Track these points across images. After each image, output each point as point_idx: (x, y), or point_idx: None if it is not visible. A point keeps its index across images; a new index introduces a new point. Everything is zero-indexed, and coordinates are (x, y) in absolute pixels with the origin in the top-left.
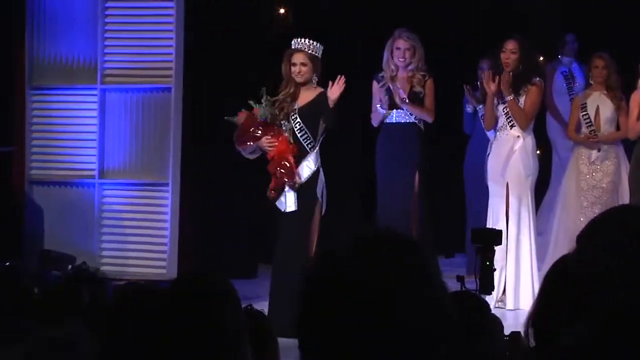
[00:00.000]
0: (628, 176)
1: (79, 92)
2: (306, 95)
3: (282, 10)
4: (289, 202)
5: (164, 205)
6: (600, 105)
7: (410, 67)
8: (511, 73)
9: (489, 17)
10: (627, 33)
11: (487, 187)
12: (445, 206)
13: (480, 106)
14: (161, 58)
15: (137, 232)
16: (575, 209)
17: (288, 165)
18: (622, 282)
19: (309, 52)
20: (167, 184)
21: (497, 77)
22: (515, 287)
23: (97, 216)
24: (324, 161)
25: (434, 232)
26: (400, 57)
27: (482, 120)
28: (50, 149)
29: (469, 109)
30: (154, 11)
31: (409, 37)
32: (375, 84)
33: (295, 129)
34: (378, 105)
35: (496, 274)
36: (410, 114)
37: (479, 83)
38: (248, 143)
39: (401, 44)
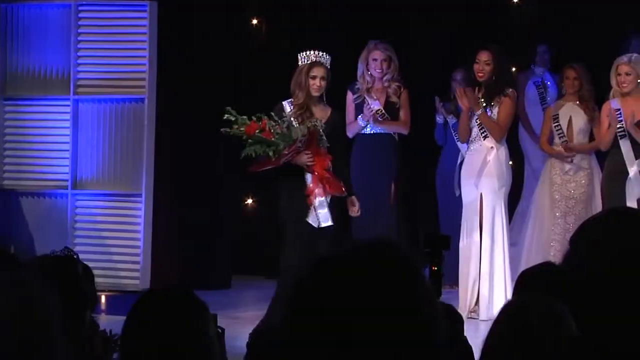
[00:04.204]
0: (600, 187)
1: (52, 103)
2: (321, 112)
3: (255, 21)
4: (324, 217)
5: (137, 216)
6: (573, 116)
7: (386, 78)
8: (477, 88)
9: (462, 27)
10: (599, 43)
11: (459, 197)
12: (419, 217)
13: (450, 117)
14: (134, 69)
15: (110, 242)
16: (549, 220)
17: (332, 180)
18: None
19: (328, 66)
20: (140, 195)
21: (469, 91)
22: (489, 297)
23: (69, 227)
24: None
25: (408, 242)
26: (377, 68)
27: (453, 131)
28: (23, 159)
29: (439, 119)
30: (127, 22)
31: (386, 47)
32: (349, 95)
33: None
34: (359, 118)
35: (469, 285)
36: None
37: (452, 94)
38: (282, 161)
39: (378, 54)
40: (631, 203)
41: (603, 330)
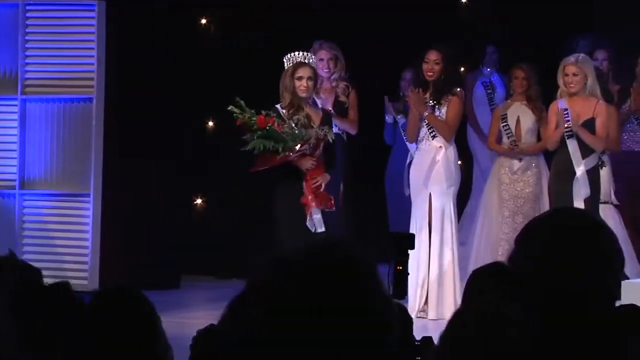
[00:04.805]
0: (548, 186)
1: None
2: (314, 114)
3: (203, 21)
4: (319, 223)
5: (86, 216)
6: (520, 116)
7: (333, 77)
8: (420, 90)
9: (411, 27)
10: (547, 44)
11: (409, 196)
12: (368, 216)
13: (400, 116)
14: (83, 68)
15: (59, 242)
16: (497, 219)
17: (326, 193)
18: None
19: (314, 66)
20: (88, 195)
21: (416, 92)
22: (438, 297)
23: (17, 227)
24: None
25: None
26: (324, 67)
27: (402, 131)
28: None
29: (388, 119)
30: (76, 21)
31: (331, 47)
32: None
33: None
34: None
35: (418, 284)
36: (334, 124)
37: (402, 94)
38: (285, 160)
39: (324, 54)
40: (578, 203)
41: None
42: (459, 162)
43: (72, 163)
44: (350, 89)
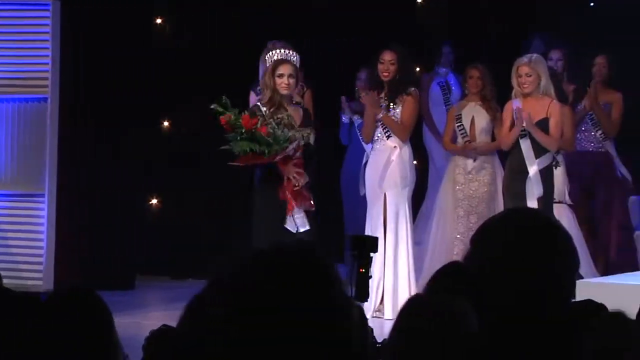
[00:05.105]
0: (502, 186)
1: None
2: (295, 113)
3: (159, 21)
4: (301, 222)
5: (41, 216)
6: (475, 116)
7: None
8: (375, 92)
9: (367, 27)
10: (503, 44)
11: (364, 196)
12: (323, 216)
13: (356, 116)
14: (37, 68)
15: (13, 243)
16: (452, 219)
17: (305, 193)
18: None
19: (295, 63)
20: (43, 195)
21: (370, 94)
22: (393, 296)
23: None
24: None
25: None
26: None
27: (358, 131)
28: None
29: (344, 119)
30: (30, 21)
31: (283, 46)
32: (253, 96)
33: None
34: None
35: (374, 284)
36: None
37: (358, 94)
38: (275, 159)
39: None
40: (531, 202)
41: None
42: (414, 162)
43: (27, 163)
44: (305, 89)
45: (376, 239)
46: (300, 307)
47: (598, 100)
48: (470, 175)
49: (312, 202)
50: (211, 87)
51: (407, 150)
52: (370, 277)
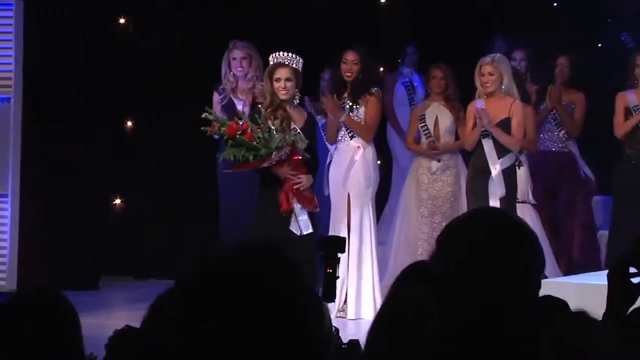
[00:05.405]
0: (465, 186)
1: None
2: (297, 116)
3: (122, 20)
4: (305, 224)
5: (4, 216)
6: (439, 116)
7: (249, 77)
8: (335, 96)
9: (331, 27)
10: (466, 44)
11: (328, 196)
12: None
13: (320, 117)
14: (0, 68)
15: None
16: (416, 219)
17: (308, 195)
18: (478, 283)
19: (293, 66)
20: (6, 195)
21: (331, 98)
22: (357, 297)
23: None
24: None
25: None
26: (237, 67)
27: (322, 131)
28: None
29: None
30: None
31: (244, 45)
32: (216, 96)
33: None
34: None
35: (338, 284)
36: None
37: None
38: (264, 164)
39: (237, 53)
40: (494, 202)
41: (471, 328)
42: (378, 162)
43: None
44: None
45: (344, 239)
46: (263, 307)
47: (561, 101)
48: (435, 176)
49: (316, 203)
50: (175, 87)
51: (370, 151)
52: (338, 277)
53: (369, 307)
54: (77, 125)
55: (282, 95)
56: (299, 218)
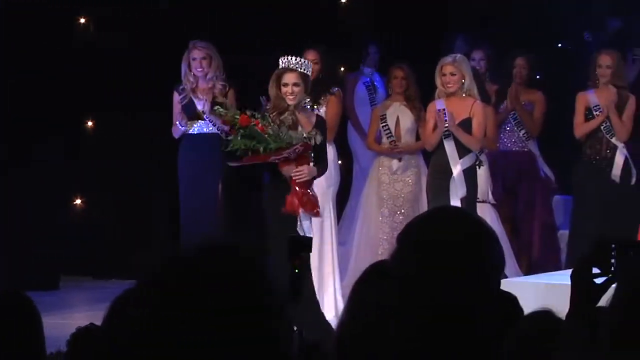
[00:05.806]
0: (426, 186)
1: None
2: (304, 120)
3: (82, 20)
4: (308, 229)
5: None
6: (400, 116)
7: (209, 77)
8: None
9: (291, 27)
10: (426, 44)
11: None
12: (248, 216)
13: None
14: None
15: None
16: (377, 219)
17: (312, 196)
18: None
19: (301, 70)
20: None
21: None
22: (318, 296)
23: None
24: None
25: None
26: (197, 67)
27: None
28: None
29: None
30: None
31: (203, 46)
32: (176, 96)
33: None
34: (177, 123)
35: None
36: (213, 124)
37: None
38: (269, 160)
39: (196, 53)
40: (455, 202)
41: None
42: (339, 162)
43: None
44: (228, 89)
45: (310, 239)
46: (225, 306)
47: (519, 100)
48: (395, 175)
49: (318, 210)
50: (135, 87)
51: (331, 150)
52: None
53: (329, 307)
54: (37, 125)
55: (290, 100)
56: (302, 222)
